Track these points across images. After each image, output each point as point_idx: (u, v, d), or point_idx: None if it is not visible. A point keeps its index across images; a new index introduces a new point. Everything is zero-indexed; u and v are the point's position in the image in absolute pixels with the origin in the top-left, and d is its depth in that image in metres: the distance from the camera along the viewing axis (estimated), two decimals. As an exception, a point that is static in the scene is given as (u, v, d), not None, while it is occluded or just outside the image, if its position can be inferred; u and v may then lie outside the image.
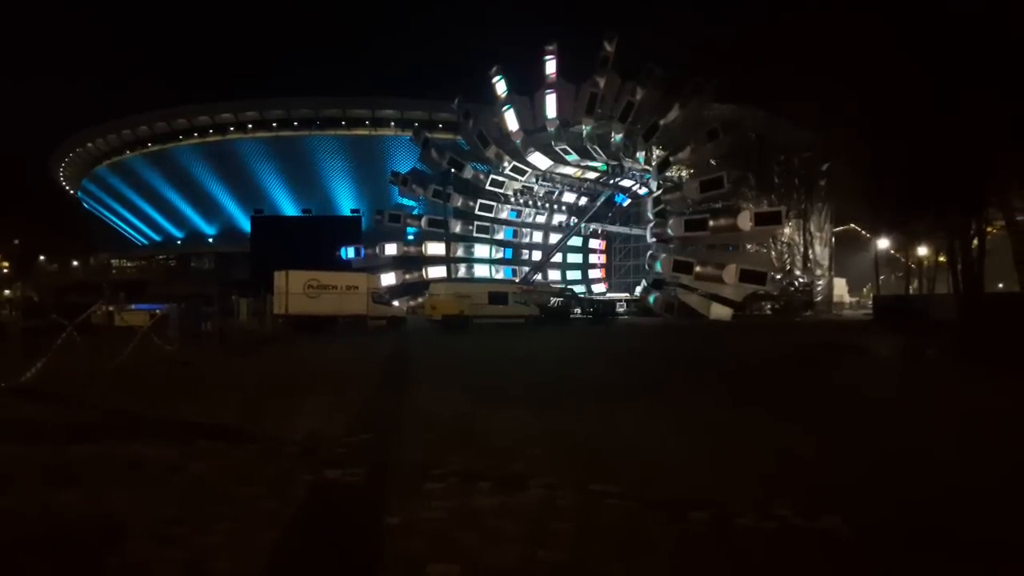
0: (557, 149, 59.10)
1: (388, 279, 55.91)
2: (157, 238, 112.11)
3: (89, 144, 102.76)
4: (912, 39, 26.23)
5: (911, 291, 52.39)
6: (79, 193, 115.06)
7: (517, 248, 67.69)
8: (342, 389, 12.14)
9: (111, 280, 73.82)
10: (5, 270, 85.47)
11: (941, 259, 45.29)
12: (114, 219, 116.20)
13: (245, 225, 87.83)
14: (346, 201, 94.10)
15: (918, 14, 25.84)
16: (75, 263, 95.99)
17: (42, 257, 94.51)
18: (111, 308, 28.91)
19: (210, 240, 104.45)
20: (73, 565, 4.38)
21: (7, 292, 65.50)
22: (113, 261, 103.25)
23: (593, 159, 60.29)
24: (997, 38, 22.65)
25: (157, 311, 24.25)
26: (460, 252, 62.84)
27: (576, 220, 68.84)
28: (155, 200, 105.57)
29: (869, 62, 29.15)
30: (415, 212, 61.98)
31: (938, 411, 10.15)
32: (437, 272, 59.87)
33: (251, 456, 7.06)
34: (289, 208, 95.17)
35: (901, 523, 4.96)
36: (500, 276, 63.57)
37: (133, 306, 33.51)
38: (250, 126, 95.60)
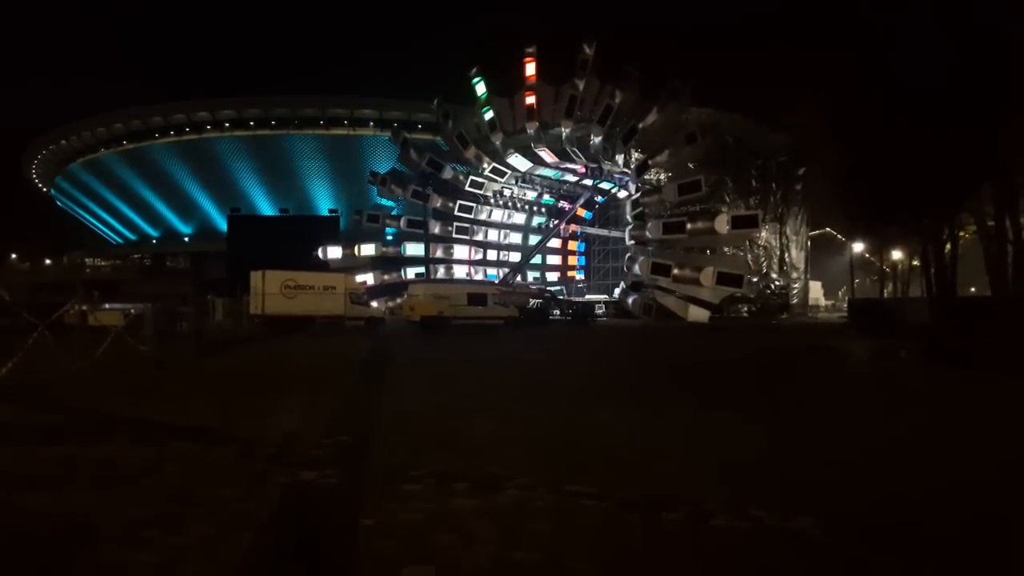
0: (536, 151, 59.23)
1: (366, 279, 55.69)
2: (132, 237, 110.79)
3: (63, 141, 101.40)
4: (881, 48, 26.67)
5: (885, 294, 53.14)
6: (52, 191, 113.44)
7: (496, 249, 67.71)
8: (318, 390, 12.07)
9: (85, 279, 72.79)
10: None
11: (915, 263, 45.97)
12: (88, 217, 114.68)
13: (221, 224, 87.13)
14: (324, 201, 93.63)
15: (890, 25, 26.29)
16: (48, 262, 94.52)
17: (13, 255, 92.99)
18: (84, 307, 28.51)
19: (186, 239, 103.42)
20: (41, 567, 4.32)
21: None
22: (87, 260, 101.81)
23: (572, 161, 60.49)
24: (970, 46, 23.07)
25: (131, 310, 23.98)
26: (439, 253, 62.74)
27: (555, 222, 69.03)
28: (130, 199, 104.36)
29: (841, 70, 29.58)
30: (394, 212, 61.75)
31: (907, 411, 10.29)
32: (415, 273, 59.73)
33: (225, 458, 7.00)
34: (266, 207, 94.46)
35: (871, 522, 5.02)
36: (479, 277, 63.53)
37: (107, 305, 33.10)
38: (227, 124, 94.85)
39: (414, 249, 61.00)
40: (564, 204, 70.86)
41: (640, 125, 48.99)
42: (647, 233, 48.84)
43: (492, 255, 67.54)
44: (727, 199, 48.44)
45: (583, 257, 76.53)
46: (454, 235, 63.38)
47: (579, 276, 75.67)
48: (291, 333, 30.13)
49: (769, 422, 9.28)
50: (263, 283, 32.86)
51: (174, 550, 4.47)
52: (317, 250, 57.08)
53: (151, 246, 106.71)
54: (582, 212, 71.32)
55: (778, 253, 54.14)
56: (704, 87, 47.83)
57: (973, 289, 55.48)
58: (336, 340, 27.20)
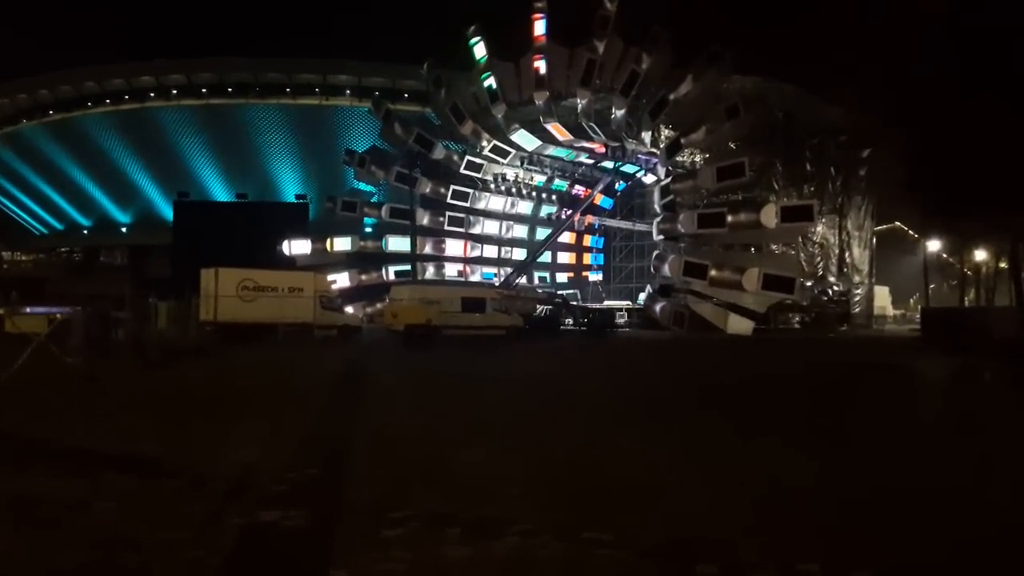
0: (546, 126, 59.18)
1: (340, 280, 55.67)
2: (59, 227, 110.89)
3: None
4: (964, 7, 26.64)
5: (966, 302, 53.09)
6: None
7: (497, 245, 67.60)
8: (282, 413, 12.10)
9: (2, 276, 73.01)
10: None
11: (1003, 265, 45.93)
12: (6, 202, 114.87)
13: (167, 212, 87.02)
14: (290, 185, 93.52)
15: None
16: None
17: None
18: (1, 311, 28.59)
19: (123, 230, 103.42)
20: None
21: None
22: (5, 254, 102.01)
23: (590, 139, 60.43)
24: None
25: (57, 315, 24.01)
26: (428, 249, 62.66)
27: (568, 212, 68.91)
28: (57, 180, 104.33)
29: (914, 31, 29.51)
30: (374, 199, 61.69)
31: (986, 445, 10.28)
32: (398, 272, 59.54)
33: (170, 493, 7.02)
34: (220, 192, 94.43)
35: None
36: (476, 278, 63.41)
37: (28, 309, 33.13)
38: (175, 92, 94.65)
39: (398, 244, 60.94)
40: (579, 191, 70.79)
41: (671, 96, 48.96)
42: (679, 226, 48.78)
43: (492, 251, 67.52)
44: (776, 186, 48.41)
45: (601, 255, 76.47)
46: (446, 227, 63.34)
47: (594, 277, 75.51)
48: (249, 343, 30.15)
49: (819, 454, 9.28)
50: (216, 283, 32.87)
51: (108, 604, 4.49)
52: (281, 244, 57.12)
53: (82, 238, 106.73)
54: (599, 199, 71.27)
55: (837, 252, 54.11)
56: (749, 53, 47.73)
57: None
58: (303, 352, 27.22)
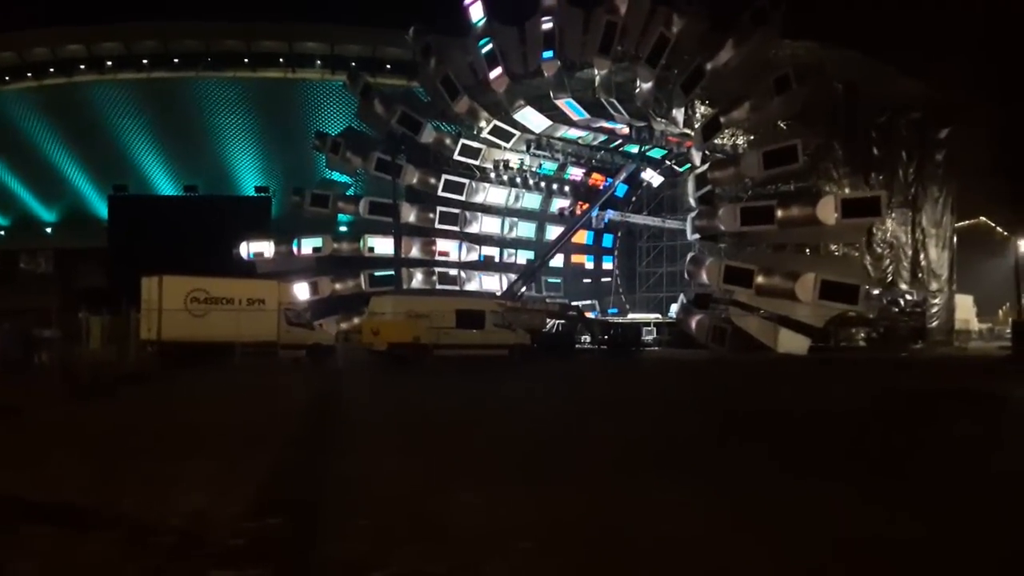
0: (558, 103, 59.14)
1: (309, 290, 55.68)
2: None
3: None
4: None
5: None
6: None
7: (498, 247, 67.47)
8: (240, 452, 12.09)
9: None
10: None
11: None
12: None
13: (101, 209, 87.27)
14: (249, 175, 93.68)
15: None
16: None
17: None
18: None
19: (48, 230, 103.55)
20: None
21: None
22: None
23: (610, 118, 60.41)
24: None
25: (-32, 334, 24.08)
26: (415, 251, 62.59)
27: (584, 206, 68.75)
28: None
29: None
30: (350, 192, 61.70)
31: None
32: (373, 277, 59.39)
33: (103, 549, 6.98)
34: (165, 185, 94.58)
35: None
36: (472, 287, 63.33)
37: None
38: (110, 63, 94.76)
39: (379, 245, 60.86)
40: (596, 180, 70.68)
41: (708, 65, 48.89)
42: (718, 223, 48.73)
43: (491, 253, 67.44)
44: (835, 174, 48.35)
45: (610, 256, 76.13)
46: (437, 225, 63.26)
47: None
48: (199, 367, 30.17)
49: (897, 505, 9.23)
50: (160, 294, 32.92)
51: None
52: (238, 246, 57.15)
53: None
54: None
55: (910, 254, 54.03)
56: (803, 12, 47.68)
57: None
58: (266, 378, 27.26)
